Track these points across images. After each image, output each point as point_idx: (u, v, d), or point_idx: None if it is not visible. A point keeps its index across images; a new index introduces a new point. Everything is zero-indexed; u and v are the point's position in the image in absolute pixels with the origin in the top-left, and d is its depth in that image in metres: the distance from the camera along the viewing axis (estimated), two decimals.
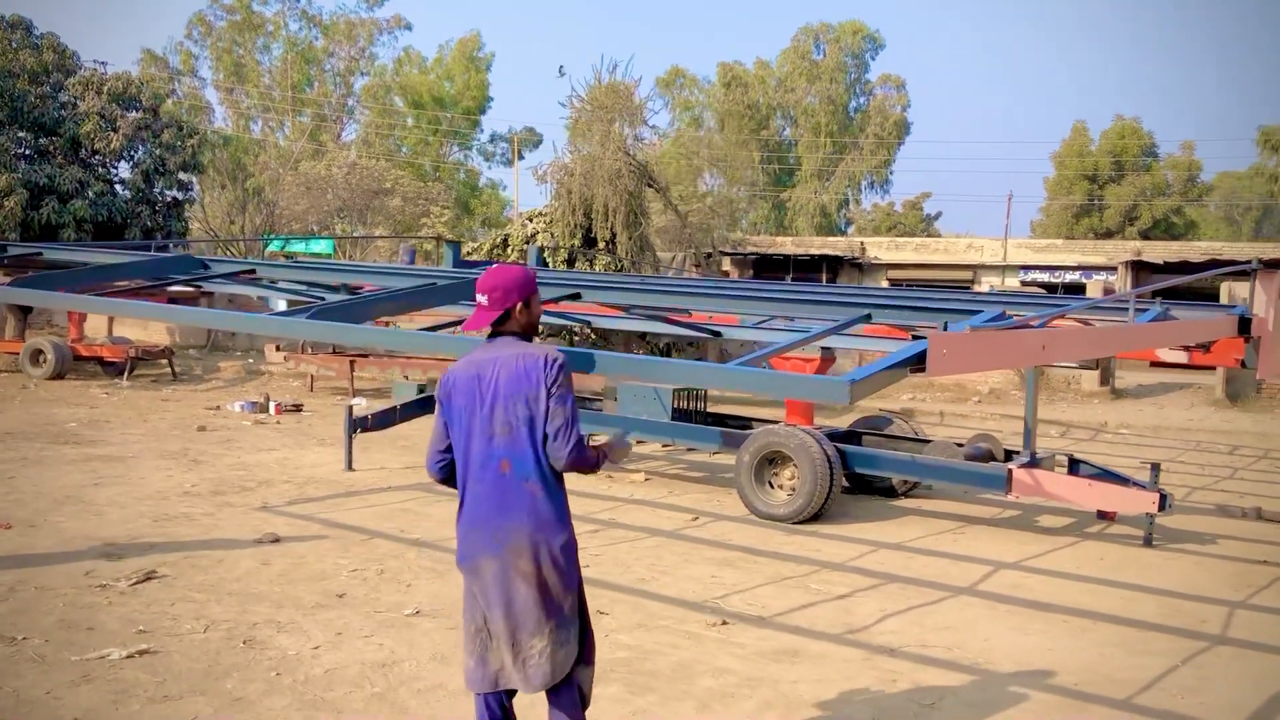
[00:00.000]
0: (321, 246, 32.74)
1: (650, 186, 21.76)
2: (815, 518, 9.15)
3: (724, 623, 6.11)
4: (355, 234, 32.79)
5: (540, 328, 3.29)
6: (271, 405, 16.10)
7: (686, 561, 7.66)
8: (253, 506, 9.00)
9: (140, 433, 13.33)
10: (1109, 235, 42.72)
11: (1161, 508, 8.46)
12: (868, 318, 6.09)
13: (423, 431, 13.18)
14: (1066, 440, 16.55)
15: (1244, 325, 7.32)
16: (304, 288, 9.98)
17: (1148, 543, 8.81)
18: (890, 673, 5.35)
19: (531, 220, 22.60)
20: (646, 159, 21.27)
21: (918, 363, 3.92)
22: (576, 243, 20.56)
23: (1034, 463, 9.19)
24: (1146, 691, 5.23)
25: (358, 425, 11.23)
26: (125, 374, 19.60)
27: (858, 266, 34.29)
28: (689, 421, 10.93)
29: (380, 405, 12.77)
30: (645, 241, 20.99)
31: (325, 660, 5.20)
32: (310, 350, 20.07)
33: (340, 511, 8.92)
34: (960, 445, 9.98)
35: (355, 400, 17.56)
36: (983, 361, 4.32)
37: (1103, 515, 9.82)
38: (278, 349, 20.71)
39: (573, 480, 11.14)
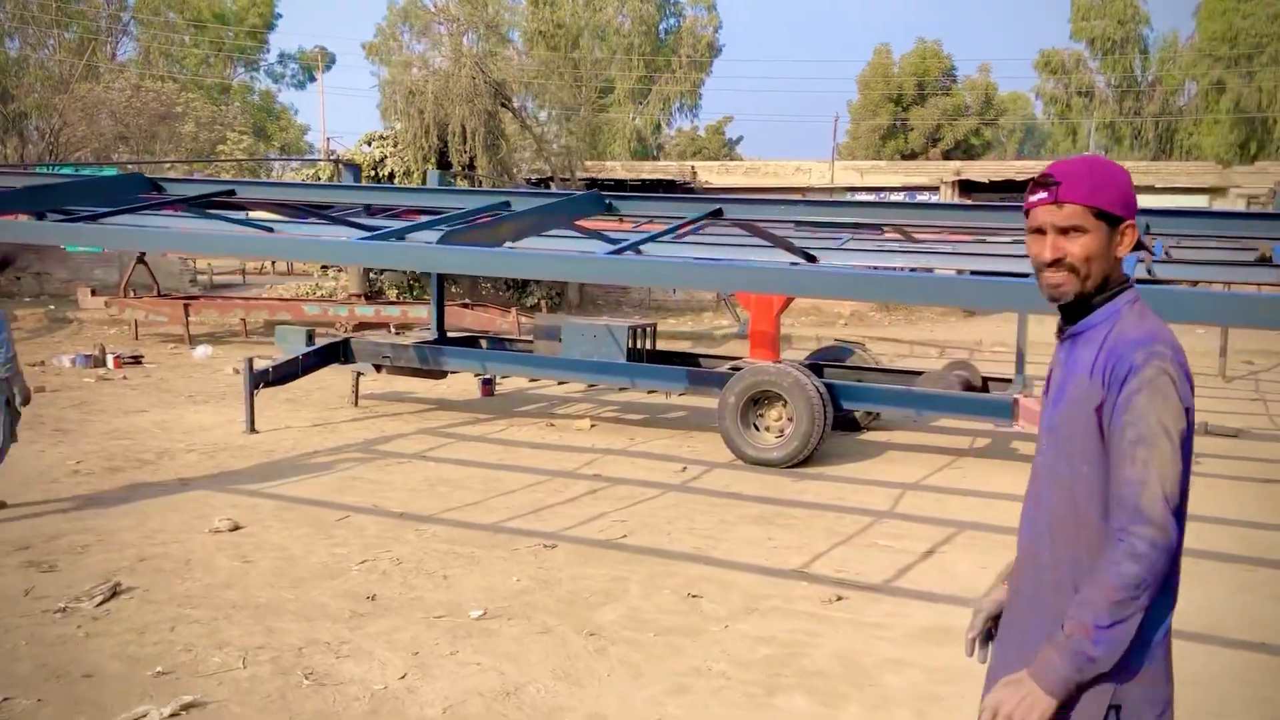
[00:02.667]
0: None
1: (505, 107, 20.29)
2: (806, 460, 8.49)
3: (839, 598, 5.31)
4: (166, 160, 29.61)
5: None
6: (109, 358, 14.07)
7: (723, 521, 6.81)
8: (170, 485, 7.52)
9: None
10: (914, 157, 43.85)
11: None
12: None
13: (307, 382, 11.75)
14: (947, 360, 16.52)
15: None
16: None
17: None
18: None
19: (371, 144, 20.78)
20: (502, 78, 19.76)
21: None
22: (431, 166, 18.96)
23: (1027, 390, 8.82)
24: None
25: (259, 380, 9.73)
26: None
27: (689, 191, 33.77)
28: (641, 362, 10.00)
29: (275, 357, 11.17)
30: (505, 165, 19.60)
31: (427, 694, 4.09)
32: (135, 294, 17.86)
33: (282, 486, 7.56)
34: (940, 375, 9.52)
35: (199, 349, 15.70)
36: None
37: None
38: (93, 293, 18.36)
39: (521, 433, 9.89)
